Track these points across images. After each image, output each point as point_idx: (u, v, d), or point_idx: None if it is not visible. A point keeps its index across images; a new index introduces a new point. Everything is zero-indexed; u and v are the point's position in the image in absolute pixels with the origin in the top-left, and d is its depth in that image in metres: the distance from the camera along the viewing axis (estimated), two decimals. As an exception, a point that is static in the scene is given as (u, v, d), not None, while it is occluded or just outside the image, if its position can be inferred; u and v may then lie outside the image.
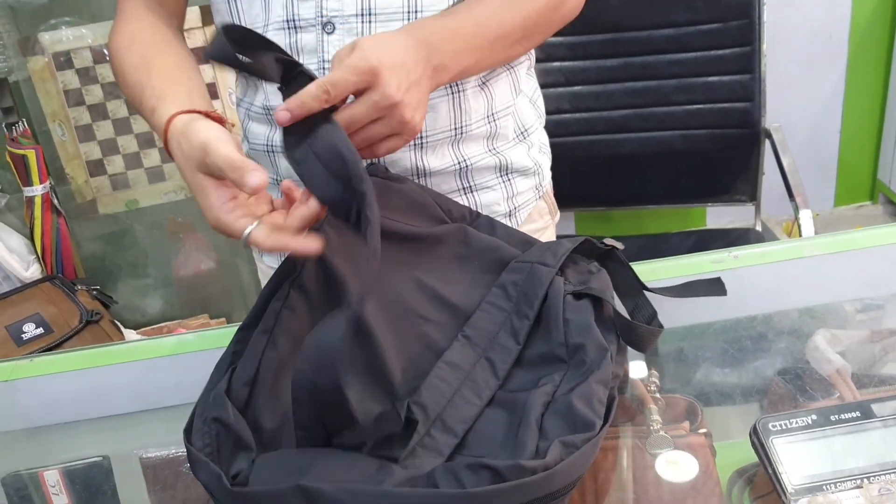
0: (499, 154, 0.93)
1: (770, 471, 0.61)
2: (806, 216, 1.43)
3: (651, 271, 0.90)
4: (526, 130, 0.97)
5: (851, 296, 0.93)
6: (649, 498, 0.75)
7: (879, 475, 0.59)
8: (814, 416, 0.62)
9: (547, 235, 1.04)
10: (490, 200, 0.94)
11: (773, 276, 0.91)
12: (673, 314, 0.87)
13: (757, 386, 0.84)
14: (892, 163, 2.22)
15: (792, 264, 0.92)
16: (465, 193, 0.93)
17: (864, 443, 0.61)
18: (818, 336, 0.84)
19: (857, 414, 0.62)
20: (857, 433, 0.61)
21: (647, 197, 1.91)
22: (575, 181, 1.85)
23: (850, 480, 0.58)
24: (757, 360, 0.88)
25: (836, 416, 0.62)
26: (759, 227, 1.78)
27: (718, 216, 2.23)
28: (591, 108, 1.75)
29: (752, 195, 1.80)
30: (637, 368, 0.82)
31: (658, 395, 0.79)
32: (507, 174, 0.95)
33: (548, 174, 1.03)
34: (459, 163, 0.91)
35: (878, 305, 0.95)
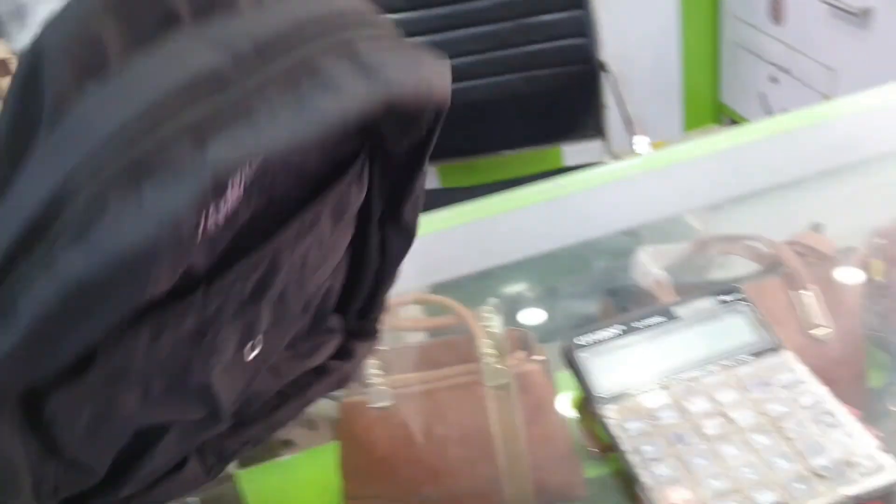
0: None
1: (581, 384, 0.62)
2: (641, 143, 1.46)
3: (483, 208, 0.91)
4: None
5: (674, 211, 0.96)
6: (492, 430, 0.76)
7: (683, 373, 0.60)
8: (620, 327, 0.64)
9: None
10: None
11: (600, 200, 0.93)
12: (505, 250, 0.88)
13: (593, 310, 0.86)
14: (732, 85, 2.31)
15: (612, 186, 0.94)
16: None
17: (667, 345, 0.63)
18: (641, 253, 0.87)
19: (661, 318, 0.64)
20: (660, 337, 0.63)
21: (503, 142, 1.93)
22: (428, 134, 1.84)
23: (656, 382, 0.60)
24: (589, 283, 0.90)
25: (640, 323, 0.64)
26: (608, 161, 1.82)
27: (575, 155, 2.27)
28: (434, 58, 1.74)
29: (600, 130, 1.84)
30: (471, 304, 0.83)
31: (493, 329, 0.80)
32: None
33: None
34: None
35: (701, 217, 0.98)
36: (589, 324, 0.65)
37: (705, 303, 0.65)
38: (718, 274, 0.88)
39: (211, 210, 0.33)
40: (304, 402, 0.61)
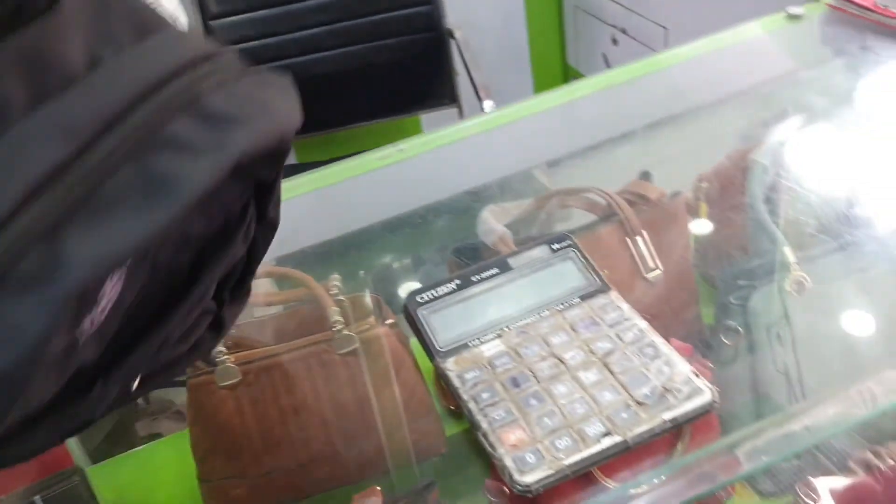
0: None
1: (422, 340, 0.63)
2: (488, 106, 1.49)
3: (325, 176, 0.90)
4: None
5: (518, 168, 0.98)
6: (346, 396, 0.76)
7: (516, 321, 0.62)
8: (457, 281, 0.65)
9: None
10: None
11: (440, 162, 0.94)
12: (352, 217, 0.87)
13: (442, 271, 0.87)
14: (577, 47, 2.38)
15: (456, 147, 0.95)
16: None
17: (502, 295, 0.65)
18: (485, 211, 0.88)
19: (496, 270, 0.66)
20: (496, 288, 0.65)
21: (358, 114, 1.92)
22: (279, 110, 1.81)
23: (492, 332, 0.62)
24: (438, 245, 0.91)
25: (477, 277, 0.65)
26: (462, 127, 1.84)
27: (433, 123, 2.29)
28: (278, 31, 1.71)
29: (453, 98, 1.85)
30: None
31: (341, 297, 0.79)
32: None
33: None
34: None
35: (545, 173, 1.01)
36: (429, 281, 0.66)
37: (537, 252, 0.67)
38: (560, 227, 0.90)
39: (85, 315, 0.31)
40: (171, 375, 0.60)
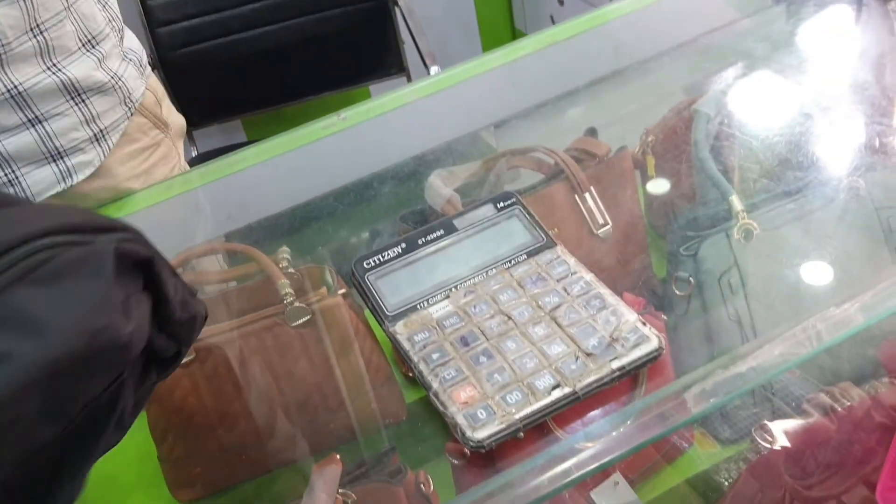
0: (60, 72, 0.84)
1: (370, 305, 0.62)
2: (434, 71, 1.48)
3: (269, 149, 0.89)
4: (94, 38, 0.88)
5: (464, 131, 0.97)
6: (302, 369, 0.76)
7: (464, 281, 0.62)
8: (403, 245, 0.65)
9: (161, 152, 0.98)
10: (66, 128, 0.85)
11: (385, 129, 0.93)
12: (290, 190, 0.86)
13: (392, 232, 0.86)
14: (524, 10, 2.36)
15: (400, 112, 0.94)
16: (33, 126, 0.83)
17: (449, 256, 0.64)
18: (433, 175, 0.88)
19: (441, 232, 0.65)
20: (442, 250, 0.65)
21: (306, 88, 1.89)
22: (229, 86, 1.78)
23: (440, 293, 0.62)
24: (387, 212, 0.90)
25: (424, 239, 0.65)
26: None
27: (382, 94, 2.27)
28: (220, 7, 1.68)
29: (401, 67, 1.84)
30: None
31: (291, 270, 0.79)
32: (77, 94, 0.85)
33: (139, 85, 0.94)
34: (10, 90, 0.81)
35: (493, 134, 1.00)
36: (375, 247, 0.66)
37: (482, 211, 0.67)
38: (509, 188, 0.90)
39: None
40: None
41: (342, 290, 0.77)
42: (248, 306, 0.78)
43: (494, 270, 0.63)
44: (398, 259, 0.64)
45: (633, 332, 0.55)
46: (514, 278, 0.61)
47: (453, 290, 0.62)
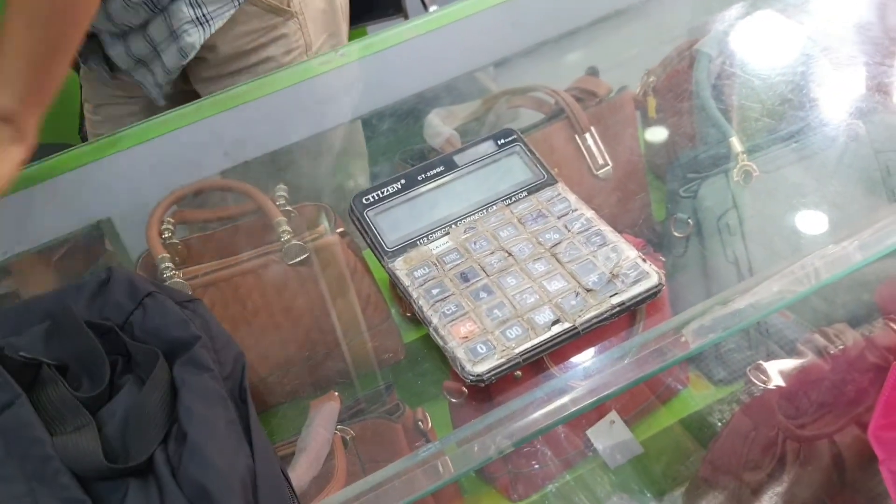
0: None
1: (370, 241, 0.62)
2: (433, 10, 1.45)
3: (265, 85, 0.88)
4: None
5: (464, 70, 0.96)
6: (300, 306, 0.76)
7: (463, 218, 0.62)
8: (402, 181, 0.64)
9: (273, 35, 1.00)
10: (176, 10, 0.92)
11: (383, 66, 0.92)
12: (286, 127, 0.85)
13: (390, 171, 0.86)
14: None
15: (399, 50, 0.92)
16: (161, 11, 0.93)
17: (449, 193, 0.64)
18: (432, 114, 0.87)
19: (441, 168, 0.65)
20: (442, 186, 0.64)
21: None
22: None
23: (440, 229, 0.61)
24: (385, 151, 0.89)
25: (423, 175, 0.64)
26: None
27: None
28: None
29: (398, 6, 1.80)
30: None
31: (289, 208, 0.78)
32: None
33: None
34: None
35: (490, 74, 0.99)
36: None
37: (483, 148, 0.66)
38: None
39: None
40: None
41: (340, 229, 0.77)
42: (244, 244, 0.77)
43: (495, 207, 0.62)
44: (397, 195, 0.63)
45: (633, 268, 0.55)
46: (514, 215, 0.61)
47: (453, 226, 0.61)
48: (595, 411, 0.86)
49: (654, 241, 0.85)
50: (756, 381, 0.80)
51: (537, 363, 0.54)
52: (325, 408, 0.64)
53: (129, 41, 0.98)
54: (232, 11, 0.95)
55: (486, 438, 0.50)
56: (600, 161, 0.84)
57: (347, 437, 0.67)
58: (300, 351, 0.76)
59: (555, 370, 0.55)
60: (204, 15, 0.95)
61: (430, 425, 0.72)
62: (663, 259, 0.80)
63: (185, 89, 1.03)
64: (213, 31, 0.95)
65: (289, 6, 1.00)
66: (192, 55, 0.96)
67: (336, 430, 0.65)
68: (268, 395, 0.76)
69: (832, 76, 0.88)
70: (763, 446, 0.81)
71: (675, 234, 0.84)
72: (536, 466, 0.89)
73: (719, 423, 0.90)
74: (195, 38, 0.95)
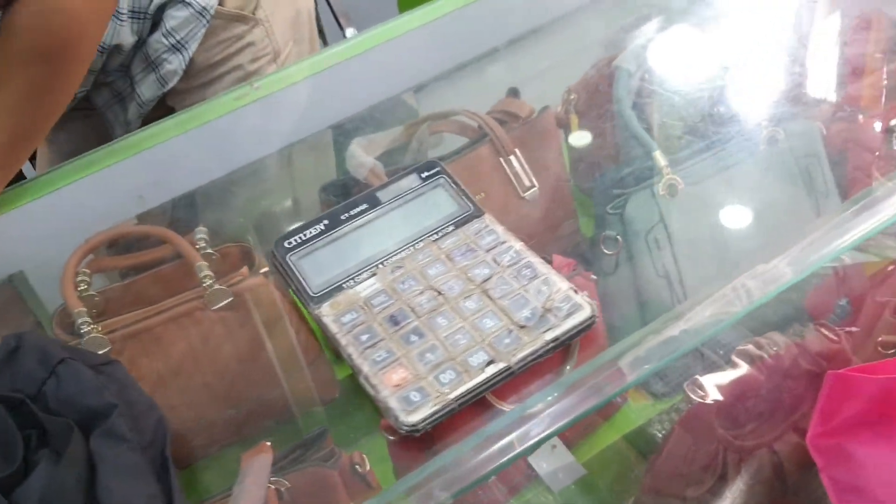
0: None
1: (294, 287, 0.60)
2: (350, 33, 1.44)
3: (178, 124, 0.84)
4: None
5: (384, 96, 0.94)
6: (226, 353, 0.73)
7: (390, 256, 0.60)
8: (325, 222, 0.62)
9: (242, 43, 1.00)
10: (153, 41, 0.95)
11: (300, 97, 0.90)
12: (205, 165, 0.82)
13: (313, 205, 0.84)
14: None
15: (317, 79, 0.90)
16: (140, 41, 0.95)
17: (374, 231, 0.62)
18: (353, 144, 0.85)
19: (365, 206, 0.63)
20: (366, 224, 0.62)
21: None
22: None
23: (367, 270, 0.59)
24: (307, 183, 0.87)
25: (346, 214, 0.62)
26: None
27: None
28: None
29: (317, 30, 1.78)
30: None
31: (210, 251, 0.75)
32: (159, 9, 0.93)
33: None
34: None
35: (413, 98, 0.97)
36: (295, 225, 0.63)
37: (407, 182, 0.65)
38: (433, 153, 0.88)
39: None
40: None
41: (264, 269, 0.74)
42: (165, 292, 0.74)
43: (422, 243, 0.60)
44: (321, 237, 0.61)
45: (565, 300, 0.54)
46: (442, 251, 0.60)
47: (380, 266, 0.59)
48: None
49: (585, 260, 0.85)
50: (694, 397, 0.80)
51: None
52: (257, 461, 0.62)
53: (113, 83, 1.00)
54: (203, 30, 0.96)
55: (424, 491, 0.48)
56: (526, 183, 0.83)
57: (283, 489, 0.64)
58: (228, 399, 0.73)
59: (495, 403, 0.53)
60: (179, 41, 0.96)
61: (368, 467, 0.70)
62: (595, 278, 0.79)
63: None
64: (191, 54, 0.96)
65: (254, 13, 1.00)
66: (174, 81, 0.97)
67: (269, 482, 0.63)
68: (197, 448, 0.73)
69: (749, 86, 0.89)
70: (704, 460, 0.81)
71: (605, 251, 0.84)
72: (481, 494, 0.88)
73: (660, 435, 0.90)
74: (176, 64, 0.96)
